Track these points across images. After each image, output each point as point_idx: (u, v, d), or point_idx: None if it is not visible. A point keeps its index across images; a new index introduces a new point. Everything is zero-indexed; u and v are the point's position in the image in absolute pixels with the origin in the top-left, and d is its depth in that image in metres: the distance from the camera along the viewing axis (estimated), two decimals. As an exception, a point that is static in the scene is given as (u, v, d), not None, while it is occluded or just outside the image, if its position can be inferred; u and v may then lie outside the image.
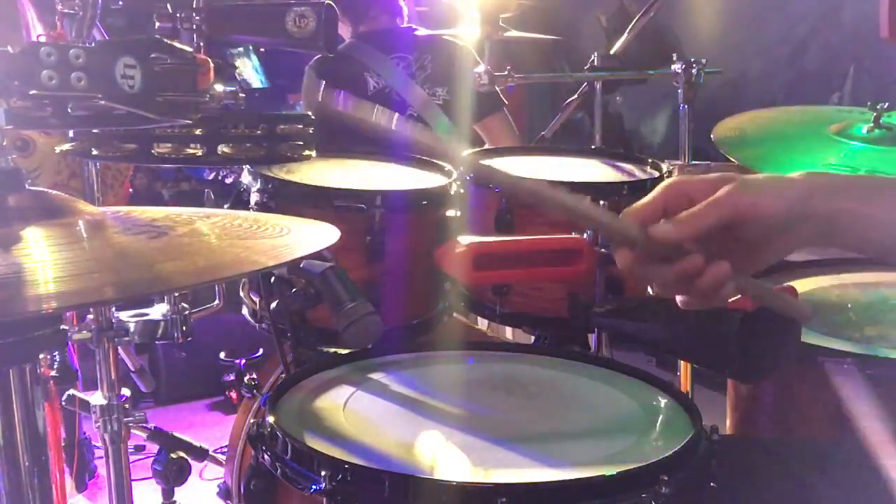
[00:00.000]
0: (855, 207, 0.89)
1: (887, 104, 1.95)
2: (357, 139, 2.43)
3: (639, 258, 0.91)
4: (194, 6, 1.36)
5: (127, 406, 1.46)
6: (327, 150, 1.96)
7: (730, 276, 0.90)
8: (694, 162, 2.09)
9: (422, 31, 2.99)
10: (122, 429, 1.46)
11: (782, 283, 1.78)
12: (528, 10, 3.24)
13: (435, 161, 2.02)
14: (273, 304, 1.55)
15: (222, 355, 3.78)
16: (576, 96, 2.60)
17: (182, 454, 1.76)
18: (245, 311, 1.86)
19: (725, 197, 0.88)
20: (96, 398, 1.46)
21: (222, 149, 1.32)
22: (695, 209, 0.89)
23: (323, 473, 1.08)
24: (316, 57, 2.84)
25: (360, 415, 1.29)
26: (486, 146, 2.88)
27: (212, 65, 1.03)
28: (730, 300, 1.14)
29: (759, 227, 0.89)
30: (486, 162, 1.96)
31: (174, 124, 1.17)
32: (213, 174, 2.87)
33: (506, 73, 2.29)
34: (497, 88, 2.55)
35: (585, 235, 1.58)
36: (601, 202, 1.71)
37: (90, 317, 1.44)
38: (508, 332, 2.50)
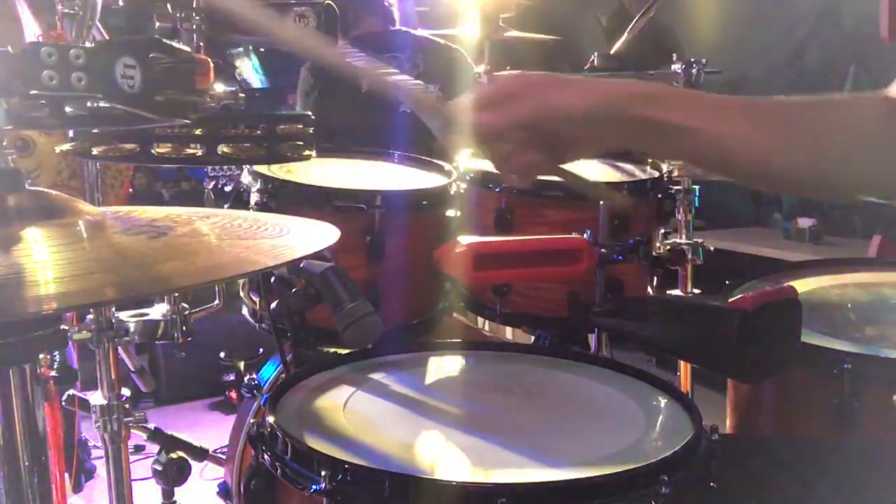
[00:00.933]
0: (654, 116, 0.96)
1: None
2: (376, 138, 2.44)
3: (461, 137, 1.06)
4: (194, 6, 1.36)
5: (127, 406, 1.46)
6: (327, 150, 1.96)
7: (535, 164, 1.03)
8: (694, 162, 2.09)
9: (415, 33, 3.02)
10: (122, 429, 1.46)
11: (782, 283, 1.78)
12: (528, 10, 3.24)
13: (435, 161, 2.03)
14: (273, 304, 1.55)
15: (222, 355, 3.78)
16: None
17: (182, 454, 1.76)
18: (245, 311, 1.87)
19: (535, 96, 1.01)
20: (96, 398, 1.46)
21: (222, 149, 1.31)
22: (509, 104, 1.01)
23: (323, 473, 1.08)
24: None
25: (360, 415, 1.29)
26: None
27: (212, 65, 1.03)
28: (730, 300, 1.14)
29: (566, 123, 0.99)
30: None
31: (174, 124, 1.17)
32: (212, 183, 2.89)
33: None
34: None
35: (585, 235, 1.58)
36: (601, 202, 1.72)
37: (90, 317, 1.44)
38: (508, 332, 2.50)
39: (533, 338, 1.94)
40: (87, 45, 1.06)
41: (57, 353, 1.75)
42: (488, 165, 1.93)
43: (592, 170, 2.03)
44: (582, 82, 1.03)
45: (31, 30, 1.74)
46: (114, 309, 1.45)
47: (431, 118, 1.11)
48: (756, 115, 0.98)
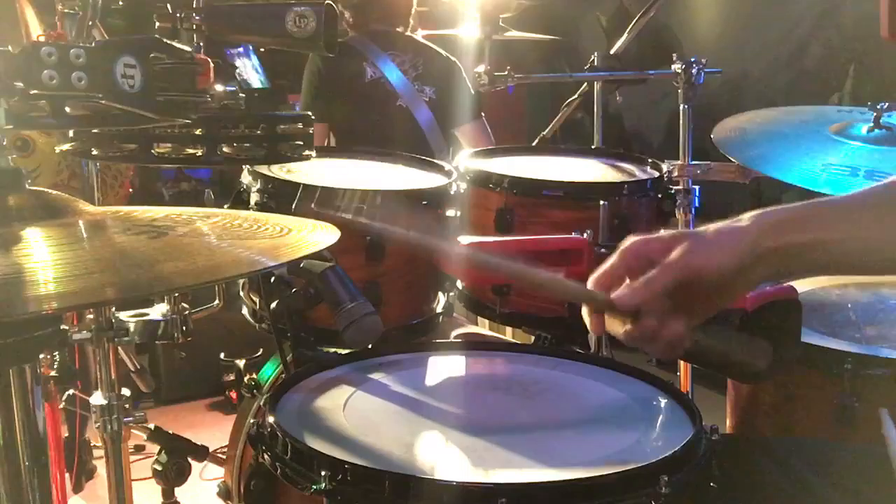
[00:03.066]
0: (806, 240, 0.95)
1: (887, 104, 1.95)
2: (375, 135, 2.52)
3: (607, 321, 1.00)
4: (194, 6, 1.36)
5: (127, 406, 1.46)
6: (327, 150, 1.96)
7: (683, 336, 0.97)
8: (694, 162, 2.09)
9: (421, 40, 3.20)
10: (122, 429, 1.46)
11: (782, 283, 1.78)
12: (528, 10, 3.25)
13: (435, 161, 2.03)
14: (273, 304, 1.55)
15: (222, 355, 3.78)
16: (576, 96, 2.60)
17: (182, 454, 1.76)
18: (245, 311, 1.86)
19: (678, 259, 0.95)
20: (96, 398, 1.46)
21: (222, 149, 1.31)
22: (650, 274, 0.95)
23: (323, 473, 1.08)
24: None
25: (360, 415, 1.29)
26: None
27: (212, 65, 1.03)
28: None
29: (713, 279, 0.95)
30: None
31: (174, 124, 1.17)
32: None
33: (506, 73, 2.29)
34: (477, 98, 3.01)
35: (585, 235, 1.58)
36: (601, 202, 1.72)
37: (90, 317, 1.44)
38: (508, 332, 2.50)
39: (533, 338, 1.94)
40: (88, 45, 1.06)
41: (57, 353, 1.75)
42: (489, 166, 1.94)
43: (592, 170, 2.03)
44: (717, 235, 0.96)
45: (35, 30, 1.74)
46: (114, 309, 1.45)
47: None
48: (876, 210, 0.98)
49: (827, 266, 1.00)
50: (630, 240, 1.00)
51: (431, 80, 3.09)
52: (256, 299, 1.78)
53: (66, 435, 2.18)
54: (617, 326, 0.99)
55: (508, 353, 1.60)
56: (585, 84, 2.55)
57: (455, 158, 3.09)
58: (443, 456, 1.18)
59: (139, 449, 2.80)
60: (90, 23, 1.33)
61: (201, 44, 1.37)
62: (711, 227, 0.98)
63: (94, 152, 1.29)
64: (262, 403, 1.79)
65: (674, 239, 0.97)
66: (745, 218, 0.97)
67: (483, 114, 3.18)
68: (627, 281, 0.98)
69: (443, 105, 3.08)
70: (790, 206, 0.98)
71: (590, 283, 1.00)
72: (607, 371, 1.48)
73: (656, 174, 1.93)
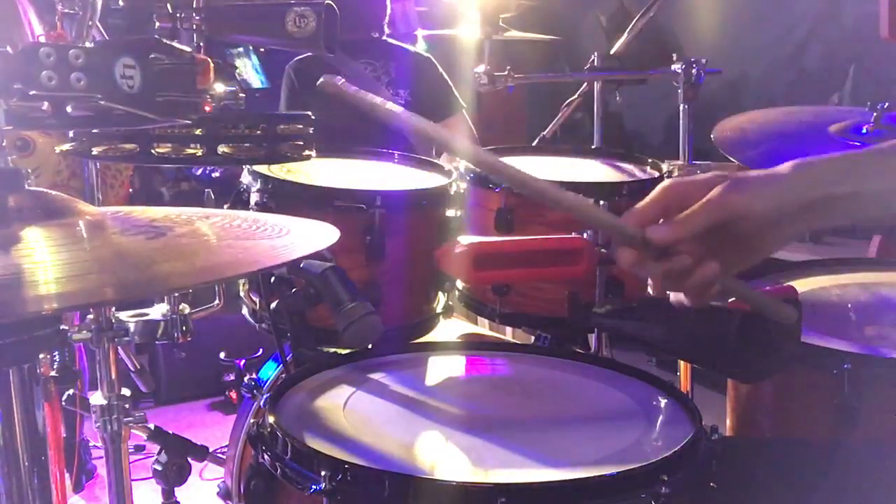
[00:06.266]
0: (846, 192, 0.94)
1: (887, 104, 1.95)
2: (357, 138, 2.55)
3: (638, 257, 0.96)
4: (194, 6, 1.36)
5: (127, 406, 1.46)
6: (327, 150, 1.96)
7: (717, 278, 0.95)
8: (694, 162, 2.09)
9: (392, 42, 3.21)
10: (122, 429, 1.45)
11: (782, 282, 1.78)
12: (528, 10, 3.25)
13: (435, 161, 2.03)
14: (273, 304, 1.55)
15: (222, 355, 3.78)
16: (576, 96, 2.60)
17: (182, 454, 1.76)
18: (245, 311, 1.86)
19: (718, 198, 0.92)
20: (96, 398, 1.46)
21: (222, 149, 1.31)
22: (689, 211, 0.93)
23: (323, 473, 1.08)
24: (296, 58, 3.11)
25: (360, 415, 1.29)
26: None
27: (212, 65, 1.03)
28: (729, 301, 1.14)
29: (752, 224, 0.93)
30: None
31: (174, 124, 1.17)
32: (200, 169, 2.91)
33: (506, 73, 2.29)
34: (455, 91, 3.01)
35: (585, 235, 1.58)
36: (601, 202, 1.72)
37: (90, 317, 1.44)
38: (508, 332, 2.50)
39: (533, 338, 1.94)
40: (88, 45, 1.05)
41: (57, 353, 1.75)
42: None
43: (592, 170, 2.03)
44: (759, 180, 0.95)
45: (37, 30, 1.74)
46: (114, 309, 1.45)
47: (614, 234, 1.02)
48: None
49: (863, 216, 0.99)
50: (670, 180, 0.99)
51: (404, 82, 3.10)
52: (256, 299, 1.78)
53: (65, 435, 2.18)
54: (648, 264, 0.96)
55: (508, 353, 1.60)
56: (585, 84, 2.55)
57: (443, 156, 3.13)
58: (443, 456, 1.18)
59: (139, 449, 2.80)
60: (90, 23, 1.33)
61: (201, 44, 1.37)
62: (751, 172, 0.97)
63: (94, 152, 1.29)
64: (262, 403, 1.79)
65: (715, 179, 0.95)
66: (785, 167, 0.96)
67: (465, 106, 3.17)
68: (662, 221, 0.96)
69: (419, 104, 3.07)
70: (827, 157, 0.97)
71: (624, 219, 0.98)
72: (607, 371, 1.49)
73: (656, 174, 1.93)
